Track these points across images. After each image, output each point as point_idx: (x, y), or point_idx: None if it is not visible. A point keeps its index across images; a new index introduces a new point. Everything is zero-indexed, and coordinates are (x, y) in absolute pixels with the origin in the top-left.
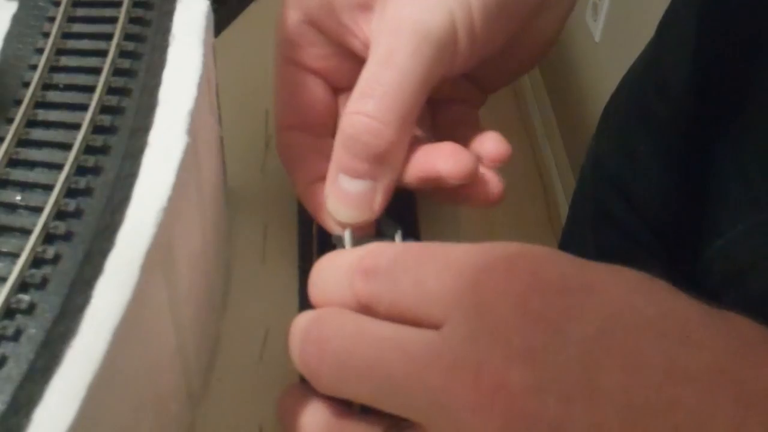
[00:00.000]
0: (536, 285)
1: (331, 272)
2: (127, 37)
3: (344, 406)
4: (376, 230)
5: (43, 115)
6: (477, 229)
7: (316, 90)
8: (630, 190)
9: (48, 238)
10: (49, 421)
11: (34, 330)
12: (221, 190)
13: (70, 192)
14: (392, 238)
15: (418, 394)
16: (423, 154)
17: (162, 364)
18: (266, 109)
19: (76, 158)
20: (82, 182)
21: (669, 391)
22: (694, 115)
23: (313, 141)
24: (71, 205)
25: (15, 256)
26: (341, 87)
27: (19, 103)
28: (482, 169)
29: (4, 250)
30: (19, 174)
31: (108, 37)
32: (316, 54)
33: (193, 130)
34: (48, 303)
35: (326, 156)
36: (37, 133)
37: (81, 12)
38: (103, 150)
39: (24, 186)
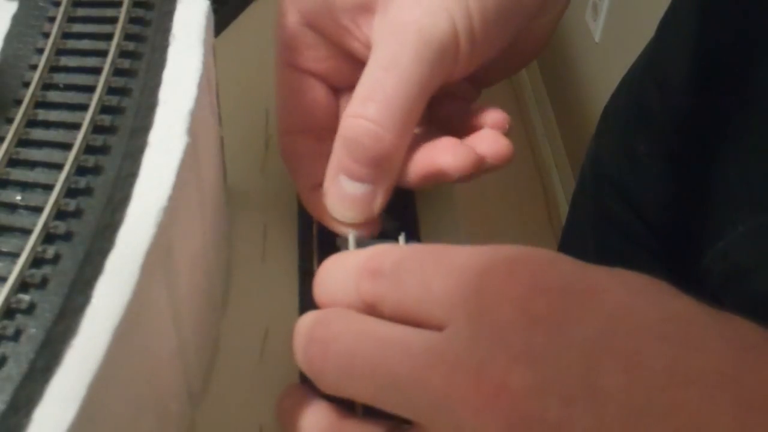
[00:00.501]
0: (538, 287)
1: (337, 273)
2: (128, 37)
3: (346, 407)
4: (379, 232)
5: (43, 114)
6: (477, 229)
7: (317, 92)
8: (630, 190)
9: (48, 237)
10: (49, 421)
11: (34, 330)
12: (221, 190)
13: (70, 192)
14: (396, 240)
15: (420, 394)
16: (422, 152)
17: (162, 364)
18: (266, 109)
19: (76, 158)
20: (82, 182)
21: (670, 394)
22: (694, 115)
23: (316, 145)
24: (71, 204)
25: (15, 255)
26: (341, 88)
27: (19, 102)
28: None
29: (4, 249)
30: (19, 174)
31: (108, 37)
32: (315, 56)
33: (193, 130)
34: (48, 303)
35: (329, 160)
36: (38, 133)
37: (81, 12)
38: (103, 150)
39: (24, 186)
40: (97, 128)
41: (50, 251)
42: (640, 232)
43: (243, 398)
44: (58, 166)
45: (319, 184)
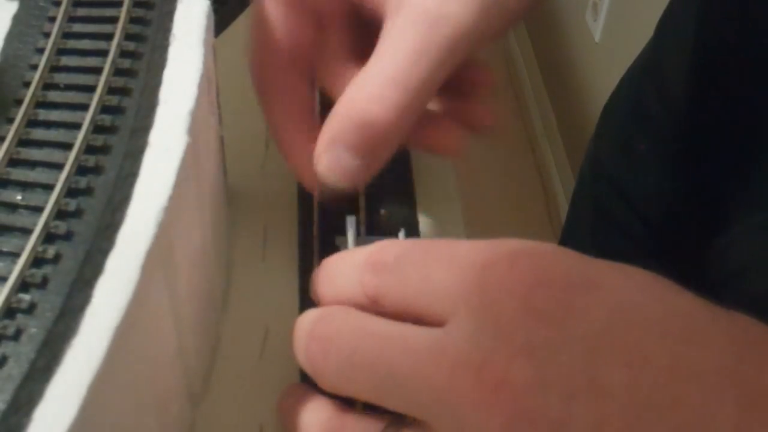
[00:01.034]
0: (540, 281)
1: (340, 269)
2: (128, 37)
3: (346, 404)
4: (377, 229)
5: (43, 114)
6: (477, 229)
7: (308, 26)
8: (629, 190)
9: (48, 237)
10: (49, 421)
11: (34, 329)
12: (221, 190)
13: (70, 192)
14: (396, 237)
15: (421, 390)
16: (421, 130)
17: (162, 364)
18: None
19: (76, 158)
20: (82, 182)
21: (673, 389)
22: (693, 115)
23: (299, 81)
24: (72, 204)
25: (15, 255)
26: (329, 25)
27: (19, 102)
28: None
29: (5, 249)
30: (19, 173)
31: (108, 36)
32: None
33: (193, 130)
34: (48, 302)
35: (303, 95)
36: (38, 133)
37: (81, 12)
38: (104, 150)
39: (24, 185)
40: (97, 128)
41: (51, 251)
42: (640, 231)
43: (243, 398)
44: (59, 166)
45: (298, 123)
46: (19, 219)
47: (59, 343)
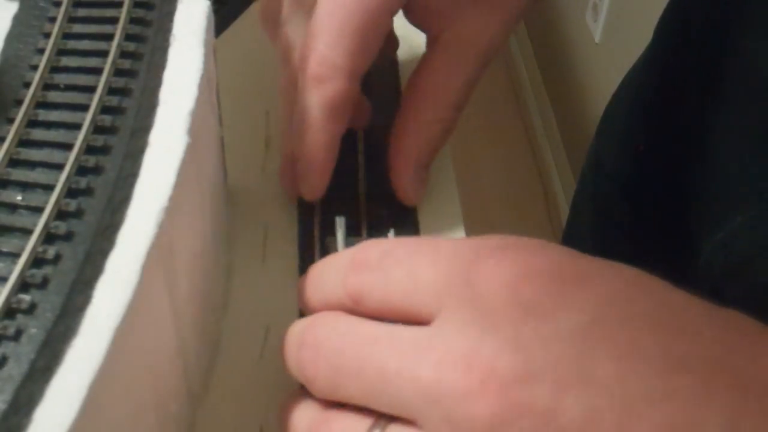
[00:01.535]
0: (528, 274)
1: (325, 274)
2: (128, 37)
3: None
4: (377, 230)
5: (44, 115)
6: (477, 229)
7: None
8: (631, 190)
9: (49, 238)
10: (49, 421)
11: (34, 330)
12: (221, 190)
13: (70, 192)
14: (385, 237)
15: (409, 386)
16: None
17: (162, 364)
18: (266, 109)
19: (76, 158)
20: (82, 182)
21: (664, 380)
22: (694, 111)
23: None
24: (72, 205)
25: (16, 256)
26: None
27: (20, 103)
28: None
29: (5, 250)
30: (19, 174)
31: (109, 37)
32: None
33: (193, 130)
34: (49, 303)
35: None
36: (38, 133)
37: (82, 12)
38: (104, 150)
39: (25, 186)
40: (97, 128)
41: (51, 251)
42: (641, 232)
43: (243, 398)
44: (59, 167)
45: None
46: (19, 219)
47: (59, 343)
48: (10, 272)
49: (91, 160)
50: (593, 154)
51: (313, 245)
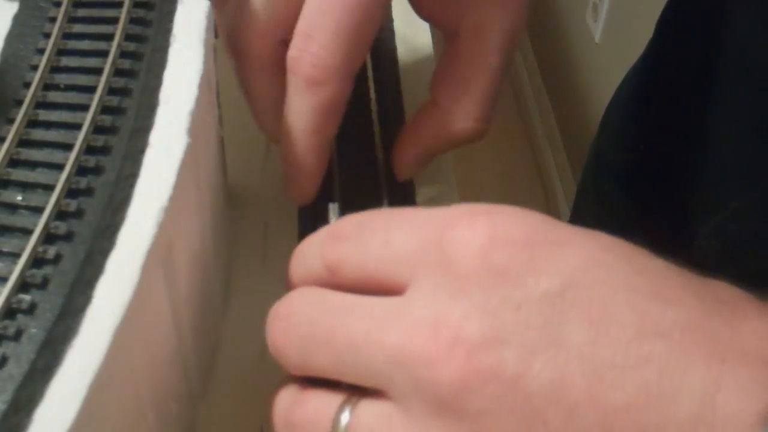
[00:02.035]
0: (499, 239)
1: (305, 249)
2: (128, 37)
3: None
4: None
5: (44, 115)
6: None
7: None
8: (632, 190)
9: (49, 238)
10: (49, 421)
11: (35, 330)
12: (221, 190)
13: (70, 192)
14: None
15: (378, 354)
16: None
17: (162, 364)
18: None
19: (77, 158)
20: (83, 182)
21: (639, 347)
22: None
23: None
24: (72, 205)
25: (16, 256)
26: None
27: (20, 103)
28: None
29: (5, 250)
30: (20, 174)
31: (109, 37)
32: None
33: (193, 131)
34: (49, 303)
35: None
36: (38, 134)
37: (82, 12)
38: (104, 150)
39: (25, 186)
40: (97, 129)
41: (51, 251)
42: (643, 227)
43: (243, 398)
44: (59, 167)
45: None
46: (20, 219)
47: (59, 343)
48: (11, 272)
49: (92, 161)
50: (596, 151)
51: None
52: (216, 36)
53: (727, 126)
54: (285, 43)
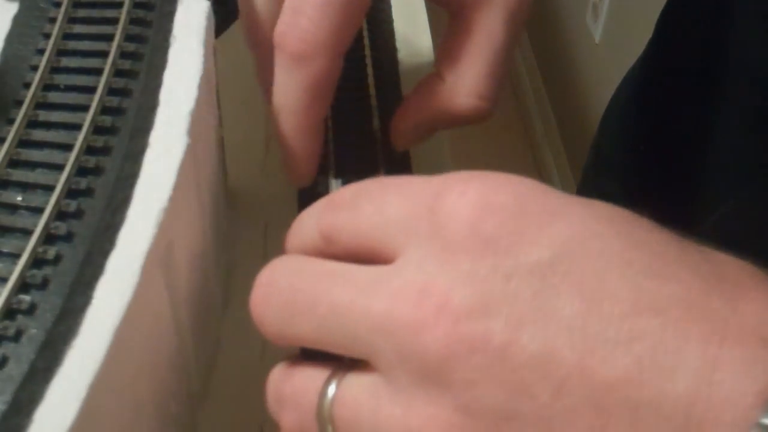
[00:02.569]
0: (490, 207)
1: (303, 220)
2: (128, 38)
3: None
4: None
5: (44, 115)
6: None
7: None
8: (633, 189)
9: (49, 238)
10: (49, 421)
11: (34, 330)
12: (221, 190)
13: (70, 192)
14: None
15: (361, 321)
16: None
17: (162, 364)
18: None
19: (77, 159)
20: (82, 183)
21: (632, 322)
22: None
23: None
24: (72, 205)
25: (16, 256)
26: None
27: (20, 103)
28: None
29: (5, 250)
30: (20, 174)
31: (109, 38)
32: None
33: (193, 131)
34: (49, 303)
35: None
36: (38, 134)
37: (82, 13)
38: (104, 151)
39: (25, 186)
40: (97, 129)
41: (51, 252)
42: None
43: (244, 398)
44: (59, 167)
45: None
46: (20, 220)
47: (59, 344)
48: (10, 273)
49: (91, 161)
50: (595, 154)
51: None
52: (216, 36)
53: (727, 125)
54: None
